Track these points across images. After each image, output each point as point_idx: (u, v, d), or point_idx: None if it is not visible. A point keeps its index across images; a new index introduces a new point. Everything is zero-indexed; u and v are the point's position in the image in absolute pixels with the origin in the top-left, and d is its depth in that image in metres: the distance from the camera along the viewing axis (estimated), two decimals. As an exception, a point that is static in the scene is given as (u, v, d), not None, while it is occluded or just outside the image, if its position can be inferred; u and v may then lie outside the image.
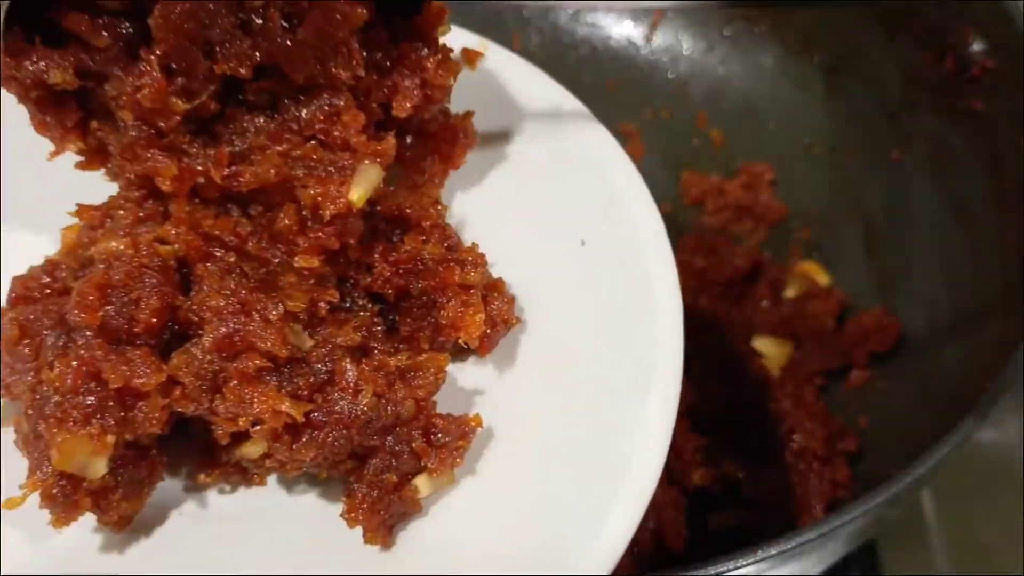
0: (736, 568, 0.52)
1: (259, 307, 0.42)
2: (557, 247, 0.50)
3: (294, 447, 0.42)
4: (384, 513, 0.43)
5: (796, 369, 0.85)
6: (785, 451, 0.79)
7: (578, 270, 0.49)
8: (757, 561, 0.52)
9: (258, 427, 0.41)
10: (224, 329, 0.41)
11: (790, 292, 0.91)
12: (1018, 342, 0.60)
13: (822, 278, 0.90)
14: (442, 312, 0.46)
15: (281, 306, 0.42)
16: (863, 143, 0.89)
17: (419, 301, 0.47)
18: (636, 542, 0.74)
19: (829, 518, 0.53)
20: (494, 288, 0.48)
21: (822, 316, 0.87)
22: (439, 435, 0.44)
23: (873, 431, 0.79)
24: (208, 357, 0.41)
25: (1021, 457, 0.85)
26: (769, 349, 0.86)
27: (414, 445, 0.44)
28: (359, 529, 0.43)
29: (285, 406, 0.41)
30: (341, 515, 0.43)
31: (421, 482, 0.44)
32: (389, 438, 0.43)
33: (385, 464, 0.43)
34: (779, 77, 0.96)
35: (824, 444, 0.78)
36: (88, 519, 0.43)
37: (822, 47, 0.93)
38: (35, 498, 0.41)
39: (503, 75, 0.55)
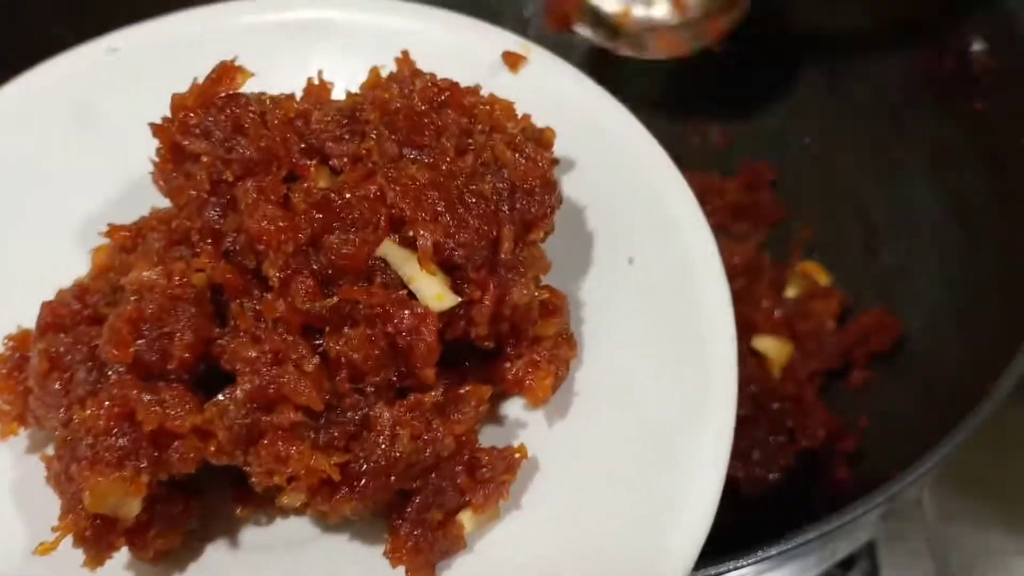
0: (736, 568, 0.52)
1: (294, 356, 0.40)
2: (604, 264, 0.48)
3: (332, 500, 0.40)
4: (428, 552, 0.41)
5: (796, 369, 0.85)
6: (785, 452, 0.79)
7: (626, 290, 0.47)
8: (757, 561, 0.52)
9: (294, 483, 0.40)
10: (258, 381, 0.39)
11: (790, 292, 0.91)
12: (1018, 342, 0.60)
13: (822, 278, 0.90)
14: (507, 365, 0.44)
15: (316, 356, 0.40)
16: (863, 143, 0.89)
17: (471, 346, 0.44)
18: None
19: (829, 518, 0.53)
20: (563, 334, 0.45)
21: (822, 316, 0.87)
22: (483, 469, 0.42)
23: (873, 431, 0.79)
24: (242, 410, 0.40)
25: (1021, 457, 0.85)
26: (770, 348, 0.86)
27: (458, 481, 0.42)
28: (402, 569, 0.42)
29: (322, 464, 0.39)
30: (384, 554, 0.42)
31: (466, 518, 0.42)
32: (432, 476, 0.42)
33: (428, 502, 0.42)
34: (779, 77, 0.96)
35: (824, 444, 0.78)
36: (122, 555, 0.42)
37: (822, 47, 0.93)
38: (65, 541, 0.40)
39: (548, 82, 0.52)
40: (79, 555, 0.41)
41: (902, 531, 0.83)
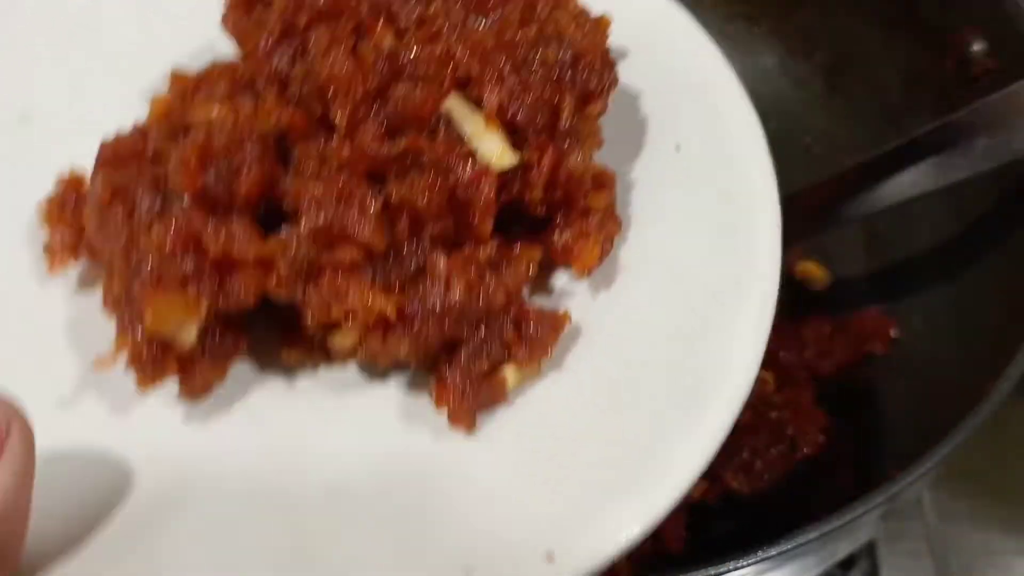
0: (736, 568, 0.52)
1: (358, 198, 0.41)
2: (651, 150, 0.50)
3: (386, 340, 0.42)
4: (472, 399, 0.43)
5: (795, 372, 0.85)
6: (787, 459, 0.79)
7: (672, 175, 0.49)
8: (757, 562, 0.52)
9: (350, 320, 0.41)
10: (322, 218, 0.41)
11: None
12: (1018, 342, 0.60)
13: (822, 278, 0.90)
14: (557, 234, 0.46)
15: (380, 199, 0.42)
16: (863, 143, 0.89)
17: (524, 211, 0.46)
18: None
19: (829, 518, 0.53)
20: (609, 209, 0.47)
21: (822, 316, 0.87)
22: (530, 326, 0.44)
23: (873, 431, 0.79)
24: (304, 246, 0.41)
25: (1021, 457, 0.85)
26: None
27: (505, 336, 0.43)
28: (443, 414, 0.43)
29: (379, 302, 0.41)
30: (430, 394, 0.43)
31: (510, 372, 0.43)
32: (481, 328, 0.43)
33: (476, 353, 0.43)
34: (779, 77, 0.96)
35: (825, 447, 0.78)
36: (168, 389, 0.43)
37: (822, 47, 0.92)
38: (118, 371, 0.41)
39: None
40: (128, 388, 0.42)
41: (902, 531, 0.83)
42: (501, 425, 0.44)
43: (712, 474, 0.76)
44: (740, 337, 0.43)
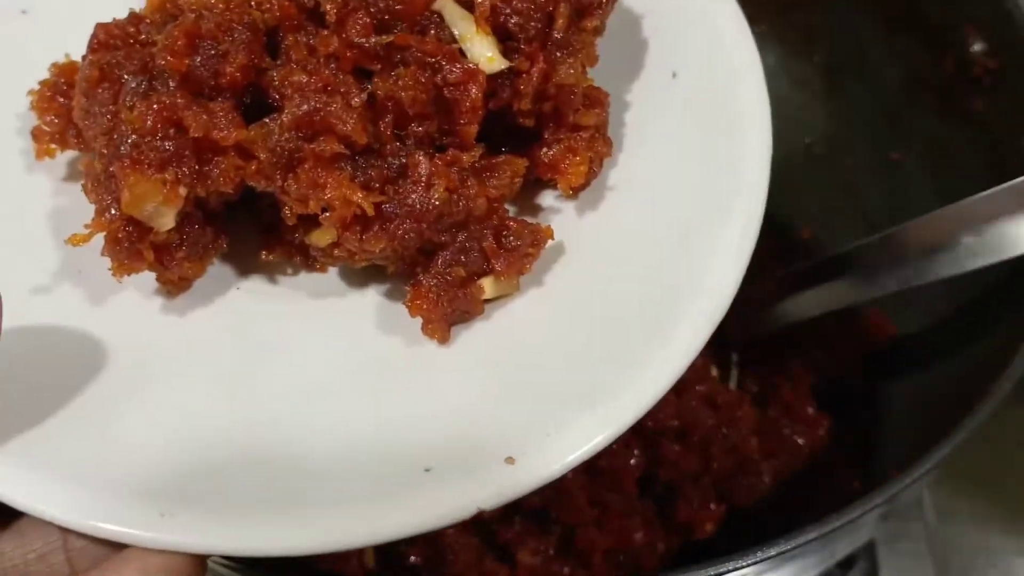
0: (736, 568, 0.52)
1: (343, 89, 0.41)
2: (648, 76, 0.49)
3: (364, 237, 0.41)
4: (447, 307, 0.43)
5: (795, 372, 0.85)
6: (790, 461, 0.79)
7: (666, 101, 0.48)
8: (757, 562, 0.52)
9: (327, 213, 0.41)
10: (305, 107, 0.40)
11: None
12: (1018, 342, 0.60)
13: (822, 278, 0.90)
14: (544, 149, 0.46)
15: (366, 93, 0.41)
16: (863, 143, 0.89)
17: (512, 123, 0.45)
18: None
19: (829, 518, 0.53)
20: (600, 128, 0.47)
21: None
22: (510, 238, 0.43)
23: (873, 431, 0.79)
24: (286, 134, 0.41)
25: (1021, 458, 0.85)
26: None
27: (484, 244, 0.43)
28: (418, 322, 0.43)
29: (357, 196, 0.40)
30: (405, 303, 0.43)
31: (487, 283, 0.43)
32: (460, 235, 0.43)
33: (454, 259, 0.43)
34: (779, 77, 0.95)
35: (825, 447, 0.78)
36: (147, 282, 0.44)
37: (822, 47, 0.92)
38: (95, 256, 0.42)
39: None
40: (107, 277, 0.42)
41: (902, 531, 0.83)
42: (474, 336, 0.43)
43: (721, 497, 0.77)
44: (718, 259, 0.42)
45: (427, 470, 0.38)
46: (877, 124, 0.87)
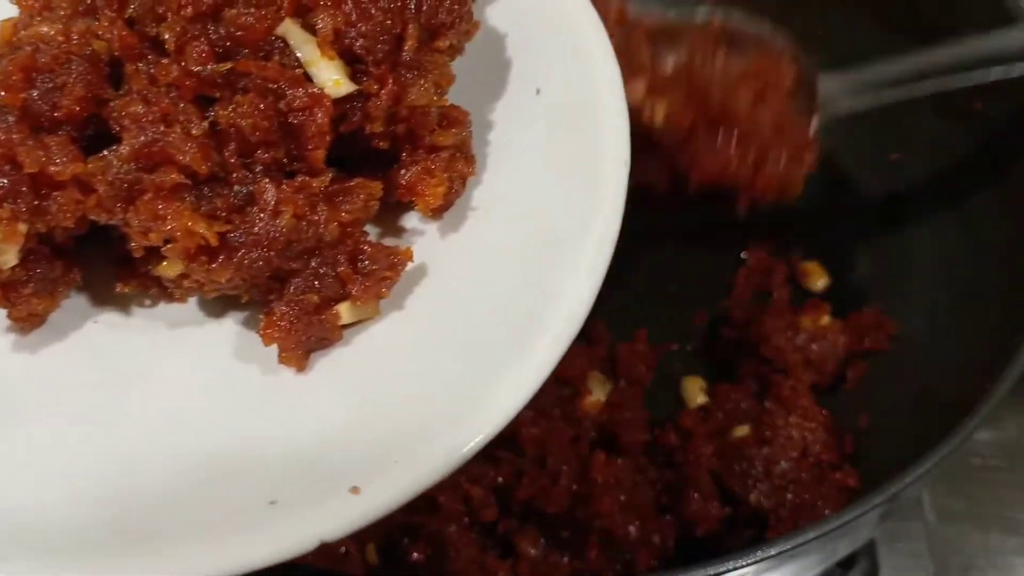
0: (736, 568, 0.52)
1: (183, 118, 0.41)
2: (511, 93, 0.49)
3: (210, 268, 0.41)
4: (302, 334, 0.42)
5: (795, 373, 0.85)
6: (795, 464, 0.79)
7: (530, 118, 0.48)
8: (757, 561, 0.52)
9: (170, 245, 0.41)
10: (143, 137, 0.40)
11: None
12: (1018, 342, 0.60)
13: (821, 278, 0.90)
14: (401, 172, 0.45)
15: (206, 122, 0.41)
16: (863, 143, 0.89)
17: (367, 146, 0.45)
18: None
19: (829, 518, 0.53)
20: (462, 148, 0.46)
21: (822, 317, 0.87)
22: (366, 262, 0.43)
23: (873, 431, 0.79)
24: (125, 166, 0.40)
25: (1021, 457, 0.85)
26: None
27: (339, 270, 0.43)
28: (275, 350, 0.42)
29: (200, 227, 0.40)
30: (258, 331, 0.43)
31: (343, 308, 0.43)
32: (313, 261, 0.43)
33: (307, 285, 0.42)
34: (778, 77, 0.95)
35: (833, 450, 0.77)
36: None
37: (822, 47, 0.92)
38: None
39: None
40: None
41: (902, 531, 0.83)
42: (332, 362, 0.43)
43: (734, 499, 0.77)
44: (573, 277, 0.42)
45: (272, 503, 0.38)
46: (877, 124, 0.87)
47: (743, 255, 0.93)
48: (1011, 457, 0.87)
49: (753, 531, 0.76)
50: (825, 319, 0.86)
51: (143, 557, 0.37)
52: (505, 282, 0.43)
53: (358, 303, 0.43)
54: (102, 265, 0.46)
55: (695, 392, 0.86)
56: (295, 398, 0.42)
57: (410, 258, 0.44)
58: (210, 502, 0.39)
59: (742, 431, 0.79)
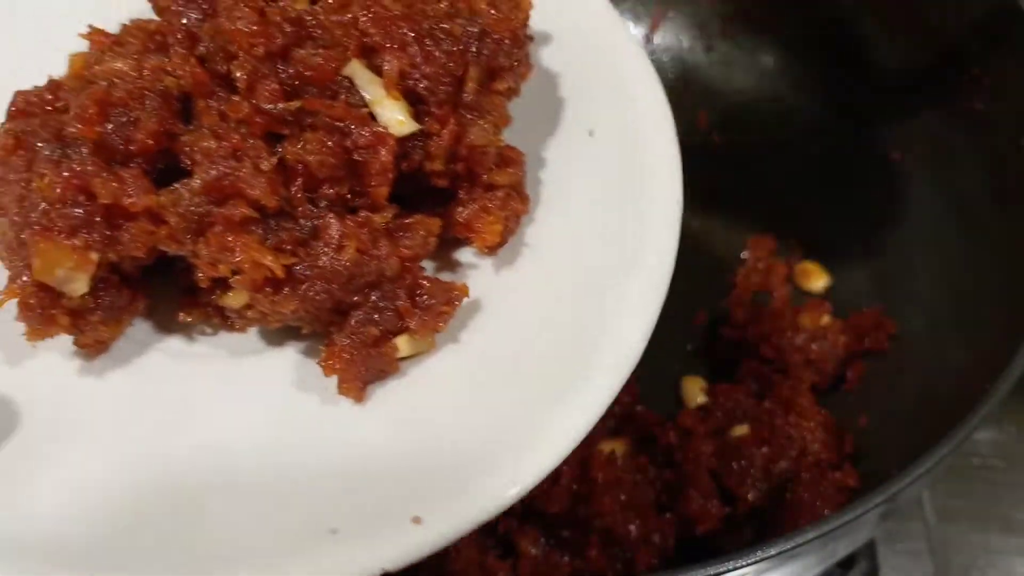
0: (736, 568, 0.52)
1: (252, 154, 0.42)
2: (566, 134, 0.51)
3: (275, 299, 0.42)
4: (362, 366, 0.43)
5: (796, 373, 0.85)
6: (795, 464, 0.79)
7: (583, 159, 0.50)
8: (757, 561, 0.52)
9: (238, 276, 0.41)
10: (214, 172, 0.41)
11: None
12: (1018, 342, 0.60)
13: (821, 279, 0.90)
14: (459, 209, 0.47)
15: (275, 157, 0.42)
16: (863, 143, 0.89)
17: (427, 184, 0.46)
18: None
19: (829, 518, 0.53)
20: (516, 187, 0.48)
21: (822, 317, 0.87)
22: (424, 297, 0.44)
23: (873, 431, 0.79)
24: (196, 199, 0.41)
25: (1021, 457, 0.85)
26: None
27: (398, 304, 0.44)
28: (334, 382, 0.43)
29: (267, 259, 0.41)
30: (319, 362, 0.43)
31: (402, 341, 0.44)
32: (374, 294, 0.43)
33: (368, 318, 0.43)
34: (779, 77, 0.96)
35: (833, 450, 0.77)
36: (66, 344, 0.44)
37: (822, 47, 0.93)
38: (13, 321, 0.42)
39: None
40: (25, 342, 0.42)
41: (902, 531, 0.83)
42: (390, 394, 0.44)
43: (730, 496, 0.77)
44: (627, 314, 0.44)
45: (334, 531, 0.39)
46: (877, 124, 0.87)
47: (743, 255, 0.93)
48: (1011, 457, 0.87)
49: (753, 531, 0.76)
50: (825, 319, 0.86)
51: None
52: (558, 317, 0.45)
53: (416, 336, 0.44)
54: (166, 293, 0.47)
55: (695, 392, 0.86)
56: (354, 428, 0.43)
57: (466, 293, 0.45)
58: (270, 530, 0.39)
59: (741, 430, 0.79)
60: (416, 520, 0.38)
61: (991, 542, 0.83)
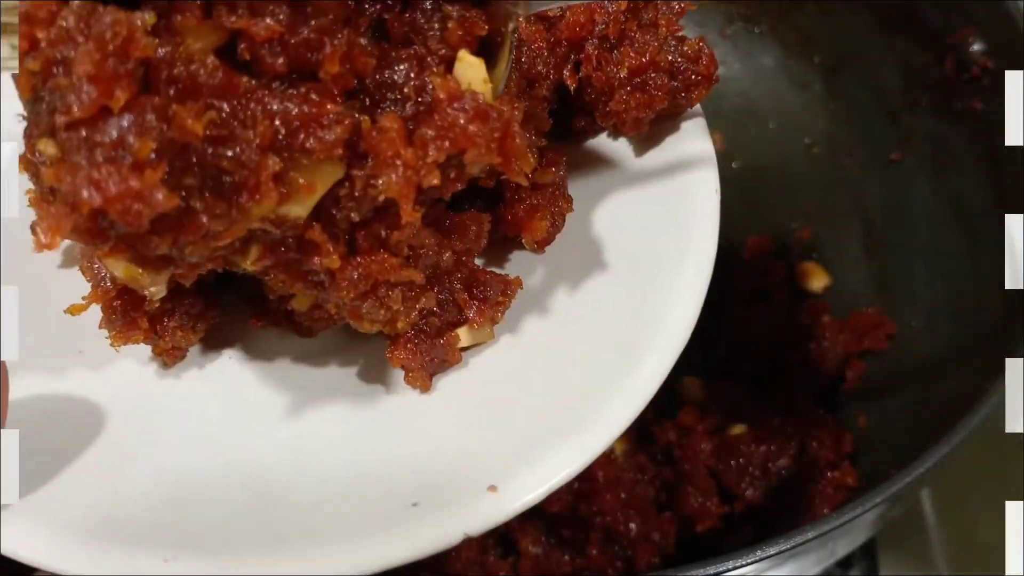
0: (736, 568, 0.52)
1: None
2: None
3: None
4: (426, 356, 0.45)
5: (795, 373, 0.85)
6: (793, 463, 0.79)
7: (623, 169, 0.52)
8: (757, 561, 0.52)
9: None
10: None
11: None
12: (1018, 342, 0.60)
13: (821, 279, 0.90)
14: (508, 208, 0.48)
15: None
16: (863, 143, 0.89)
17: (473, 184, 0.47)
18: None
19: (829, 518, 0.54)
20: (560, 186, 0.49)
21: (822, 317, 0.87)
22: (482, 289, 0.46)
23: (873, 431, 0.79)
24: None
25: (1021, 457, 0.85)
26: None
27: (457, 296, 0.46)
28: (400, 374, 0.45)
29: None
30: (386, 354, 0.45)
31: (462, 332, 0.46)
32: (434, 288, 0.45)
33: (429, 310, 0.45)
34: (779, 77, 0.96)
35: (832, 450, 0.78)
36: (145, 353, 0.47)
37: (822, 47, 0.93)
38: (94, 330, 0.45)
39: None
40: (108, 351, 0.45)
41: (902, 531, 0.83)
42: (454, 382, 0.46)
43: (729, 494, 0.77)
44: (677, 297, 0.46)
45: (415, 504, 0.41)
46: (877, 124, 0.87)
47: (743, 255, 0.93)
48: (1011, 457, 0.86)
49: (753, 530, 0.76)
50: (825, 319, 0.86)
51: (290, 558, 0.40)
52: (610, 306, 0.47)
53: (475, 326, 0.46)
54: (237, 302, 0.49)
55: (694, 391, 0.86)
56: (423, 414, 0.45)
57: (520, 285, 0.47)
58: (355, 510, 0.42)
59: (740, 429, 0.80)
60: (492, 488, 0.41)
61: (991, 542, 0.83)
